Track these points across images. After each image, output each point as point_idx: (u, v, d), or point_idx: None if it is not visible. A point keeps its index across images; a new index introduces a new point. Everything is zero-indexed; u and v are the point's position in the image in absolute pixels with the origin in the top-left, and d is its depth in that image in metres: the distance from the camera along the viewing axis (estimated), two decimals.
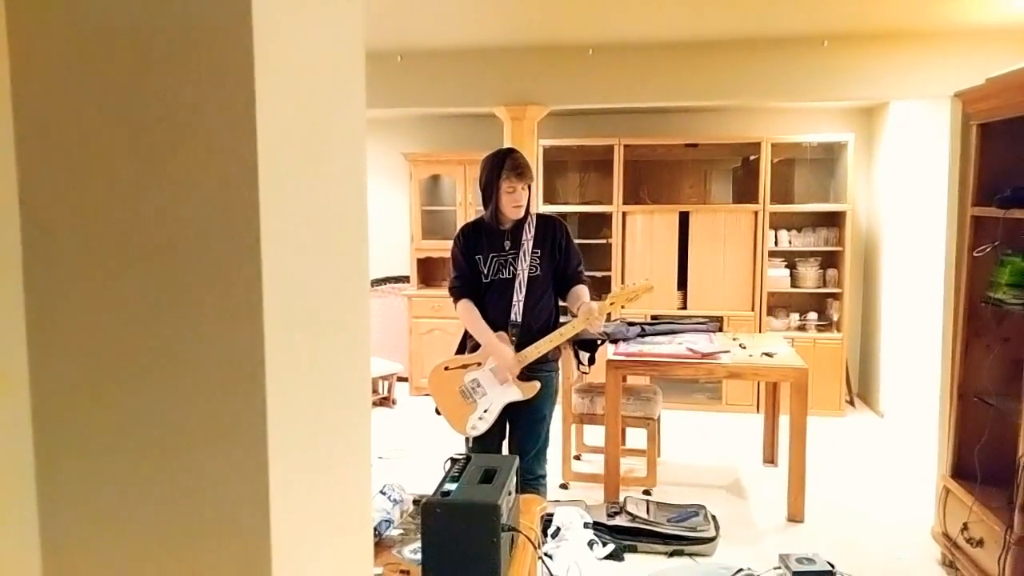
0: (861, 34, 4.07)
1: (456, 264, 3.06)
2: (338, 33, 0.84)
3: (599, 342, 3.97)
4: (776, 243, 5.53)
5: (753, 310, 5.49)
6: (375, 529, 2.03)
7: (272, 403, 0.70)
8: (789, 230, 5.56)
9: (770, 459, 4.50)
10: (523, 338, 2.95)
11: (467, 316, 3.01)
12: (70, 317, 0.72)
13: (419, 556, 1.80)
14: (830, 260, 5.54)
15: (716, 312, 5.44)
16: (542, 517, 2.57)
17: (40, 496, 0.73)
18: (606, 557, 3.30)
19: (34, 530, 0.73)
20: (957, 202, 3.30)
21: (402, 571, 1.87)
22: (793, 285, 5.56)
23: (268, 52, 0.68)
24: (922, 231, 5.01)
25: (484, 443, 3.02)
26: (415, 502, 2.22)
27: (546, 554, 2.98)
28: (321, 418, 0.81)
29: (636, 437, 4.43)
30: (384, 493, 2.18)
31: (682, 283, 5.58)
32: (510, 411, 3.01)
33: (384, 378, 5.73)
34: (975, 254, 2.94)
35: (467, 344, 3.10)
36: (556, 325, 3.01)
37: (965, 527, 2.92)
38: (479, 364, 3.00)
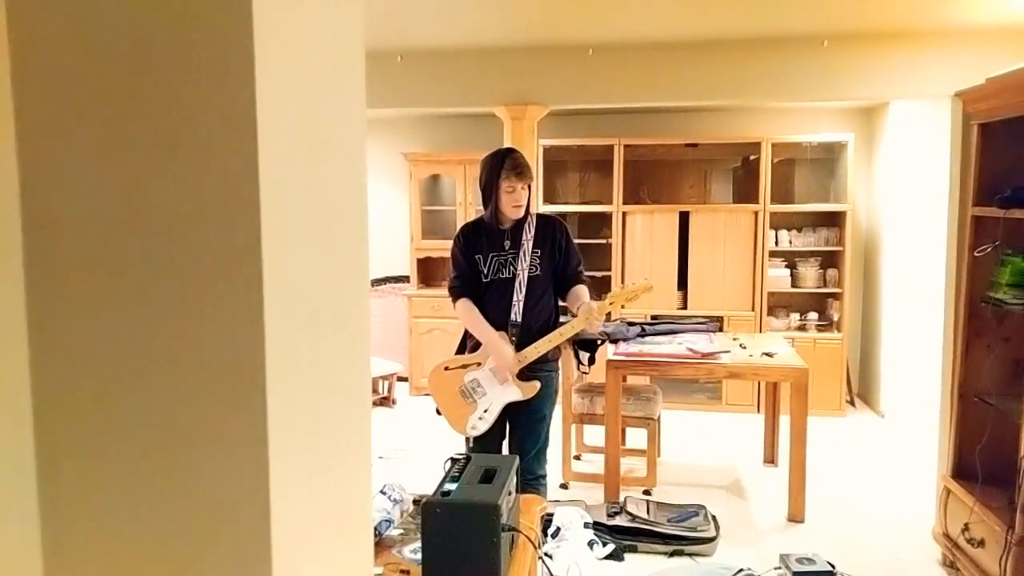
0: (861, 34, 4.07)
1: (456, 264, 3.06)
2: (338, 33, 0.84)
3: (599, 342, 3.97)
4: (776, 243, 5.53)
5: (753, 310, 5.49)
6: (375, 529, 2.03)
7: (272, 403, 0.70)
8: (789, 230, 5.56)
9: (770, 459, 4.50)
10: (523, 338, 2.96)
11: (466, 315, 3.01)
12: (71, 317, 0.72)
13: (419, 556, 1.80)
14: (830, 260, 5.54)
15: (716, 312, 5.44)
16: (542, 517, 2.57)
17: (41, 496, 0.73)
18: (606, 557, 3.30)
19: (35, 530, 0.73)
20: (957, 202, 3.30)
21: (402, 571, 1.87)
22: (793, 285, 5.56)
23: (269, 52, 0.68)
24: (922, 231, 5.01)
25: (484, 443, 3.02)
26: (415, 502, 2.22)
27: (546, 554, 2.98)
28: (321, 418, 0.81)
29: (636, 437, 4.43)
30: (384, 493, 2.18)
31: (682, 283, 5.59)
32: (510, 411, 3.01)
33: (384, 378, 5.73)
34: (975, 254, 2.94)
35: (467, 344, 3.10)
36: (556, 325, 3.02)
37: (966, 527, 2.92)
38: (479, 364, 3.00)
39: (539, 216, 3.10)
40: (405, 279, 6.20)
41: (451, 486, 1.81)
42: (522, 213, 2.98)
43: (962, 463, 3.05)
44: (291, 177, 0.73)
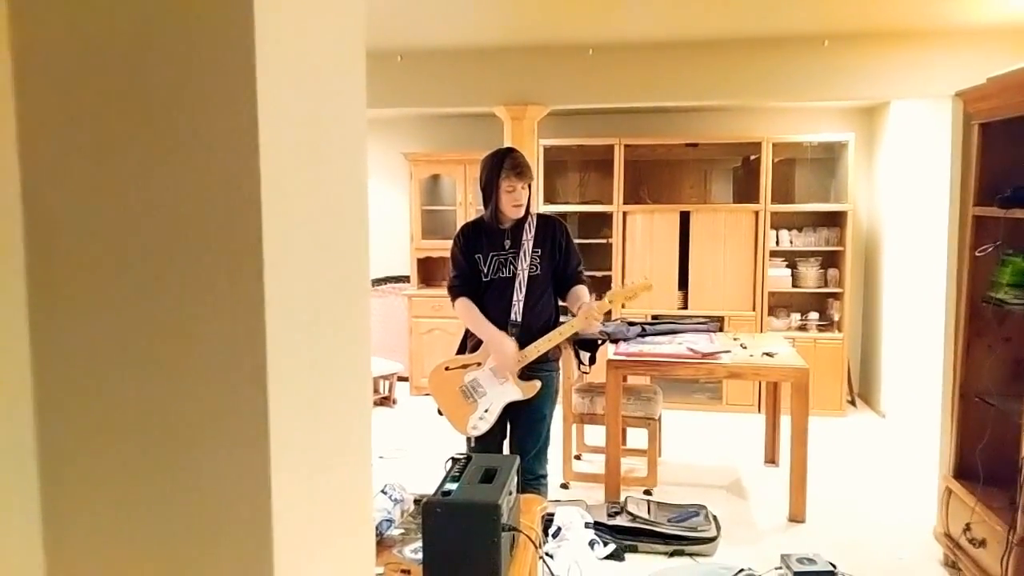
0: (862, 34, 4.07)
1: (455, 263, 3.06)
2: (339, 33, 0.84)
3: (599, 342, 3.97)
4: (777, 243, 5.53)
5: (754, 310, 5.49)
6: (376, 528, 2.03)
7: (274, 402, 0.70)
8: (790, 230, 5.56)
9: (771, 459, 4.50)
10: (523, 338, 2.96)
11: (466, 313, 3.01)
12: (72, 317, 0.72)
13: (420, 556, 1.80)
14: (831, 260, 5.54)
15: (717, 312, 5.44)
16: (543, 517, 2.57)
17: (43, 494, 0.73)
18: (607, 557, 3.31)
19: (37, 529, 0.74)
20: (958, 202, 3.30)
21: (403, 571, 1.87)
22: (794, 285, 5.56)
23: (270, 52, 0.68)
24: (923, 231, 5.01)
25: (485, 443, 3.02)
26: (416, 502, 2.22)
27: (547, 554, 2.98)
28: (322, 418, 0.81)
29: (637, 437, 4.43)
30: (385, 493, 2.18)
31: (683, 283, 5.59)
32: (511, 411, 3.01)
33: (384, 378, 5.73)
34: (976, 254, 2.94)
35: (467, 344, 3.11)
36: (556, 325, 3.02)
37: (967, 527, 2.92)
38: (479, 364, 3.01)
39: (539, 216, 3.10)
40: (405, 279, 6.20)
41: (452, 486, 1.82)
42: (522, 213, 2.98)
43: (963, 463, 3.05)
44: (292, 177, 0.73)
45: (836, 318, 5.49)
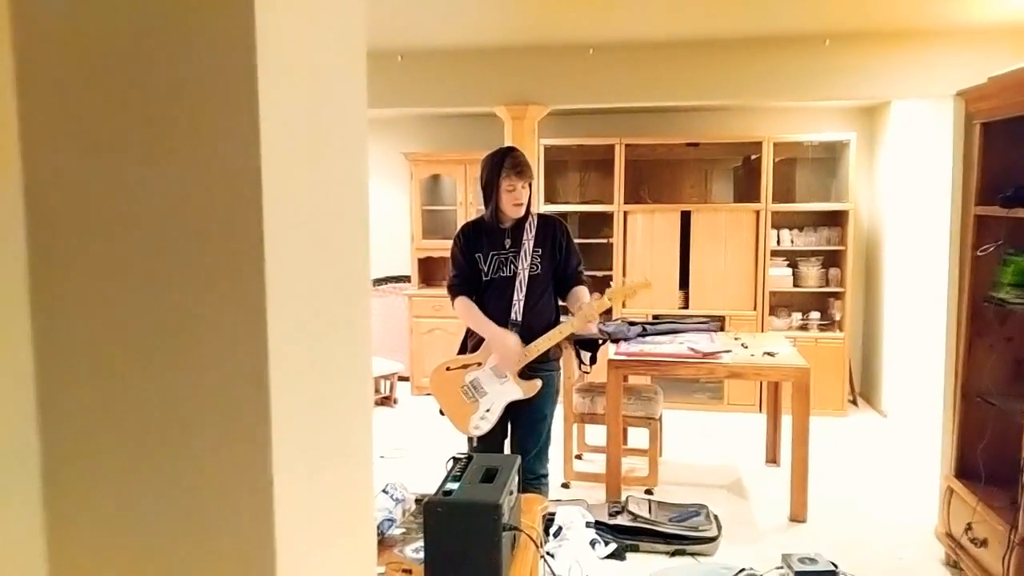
0: (863, 33, 4.07)
1: (455, 262, 3.07)
2: (340, 33, 0.84)
3: (600, 342, 3.97)
4: (778, 242, 5.53)
5: (755, 309, 5.49)
6: (377, 528, 2.04)
7: (275, 402, 0.70)
8: (791, 229, 5.56)
9: (772, 459, 4.50)
10: (524, 337, 2.96)
11: (466, 312, 3.01)
12: (75, 315, 0.72)
13: (421, 555, 1.81)
14: (832, 259, 5.54)
15: (718, 312, 5.44)
16: (544, 516, 2.57)
17: (45, 492, 0.74)
18: (608, 556, 3.31)
19: (40, 526, 0.74)
20: (960, 201, 3.30)
21: (404, 570, 1.87)
22: (795, 284, 5.56)
23: (271, 52, 0.68)
24: (925, 230, 5.01)
25: (486, 442, 3.02)
26: (417, 501, 2.22)
27: (548, 553, 2.98)
28: (323, 417, 0.81)
29: (637, 437, 4.43)
30: (386, 492, 2.18)
31: (683, 283, 5.58)
32: (512, 410, 3.01)
33: (385, 377, 5.74)
34: (978, 253, 2.94)
35: (468, 344, 3.11)
36: (557, 325, 3.02)
37: (969, 527, 2.92)
38: (479, 364, 3.01)
39: (540, 216, 3.11)
40: (406, 279, 6.20)
41: (453, 485, 1.82)
42: (523, 212, 2.98)
43: (965, 463, 3.05)
44: (293, 177, 0.74)
45: (837, 317, 5.49)
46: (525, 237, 3.00)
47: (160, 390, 0.71)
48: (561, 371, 3.28)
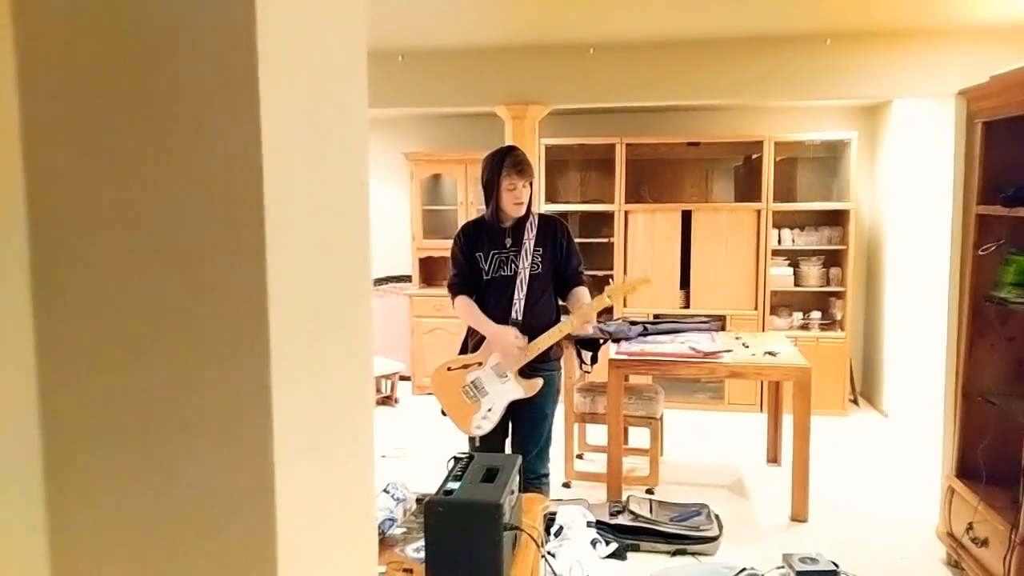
0: (864, 32, 4.07)
1: (455, 262, 3.07)
2: (340, 33, 0.84)
3: (601, 341, 3.97)
4: (779, 242, 5.53)
5: (756, 309, 5.49)
6: (378, 527, 2.04)
7: (277, 401, 0.70)
8: (792, 229, 5.56)
9: (773, 458, 4.50)
10: (525, 336, 2.96)
11: (466, 311, 3.02)
12: (76, 315, 0.72)
13: (422, 555, 1.81)
14: (833, 259, 5.54)
15: (718, 311, 5.44)
16: (545, 516, 2.57)
17: (47, 491, 0.74)
18: (609, 556, 3.31)
19: (42, 525, 0.74)
20: (961, 200, 3.30)
21: (405, 569, 1.87)
22: (796, 284, 5.56)
23: (272, 52, 0.68)
24: (926, 230, 5.01)
25: (487, 442, 3.03)
26: (418, 501, 2.22)
27: (549, 553, 2.98)
28: (325, 416, 0.82)
29: (638, 436, 4.43)
30: (387, 492, 2.19)
31: (684, 282, 5.58)
32: (513, 410, 3.02)
33: (386, 377, 5.74)
34: (979, 253, 2.94)
35: (469, 343, 3.11)
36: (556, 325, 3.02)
37: (970, 527, 2.92)
38: (480, 364, 3.01)
39: (541, 216, 3.11)
40: (407, 279, 6.21)
41: (454, 485, 1.82)
42: (523, 211, 2.98)
43: (966, 462, 3.05)
44: (294, 176, 0.74)
45: (838, 317, 5.49)
46: (526, 236, 3.00)
47: (161, 389, 0.71)
48: (562, 371, 3.29)
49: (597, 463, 4.37)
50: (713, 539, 3.41)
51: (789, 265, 5.57)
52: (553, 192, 5.89)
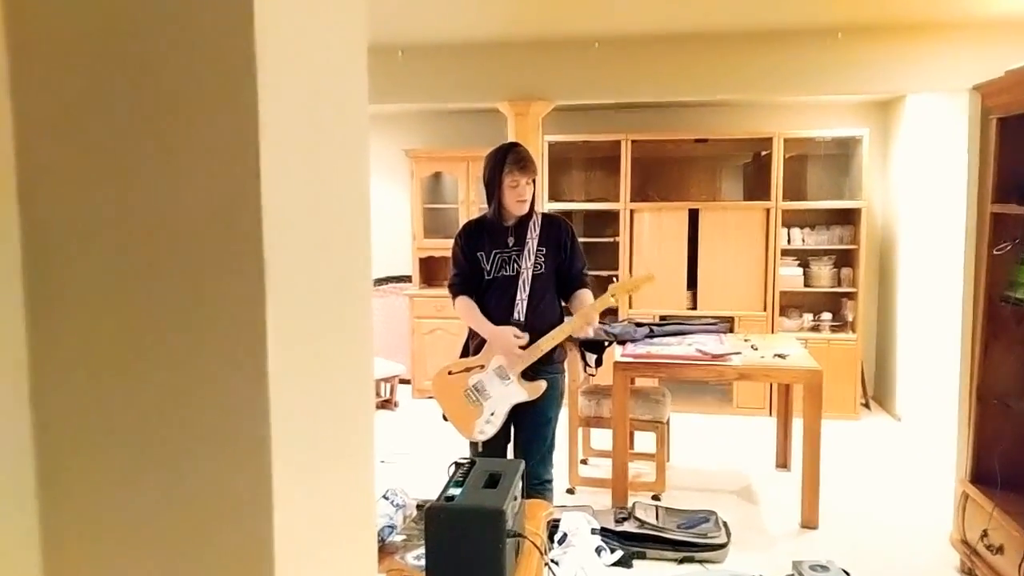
0: (876, 25, 4.06)
1: (456, 262, 3.07)
2: (340, 28, 0.85)
3: (606, 343, 3.97)
4: (789, 241, 5.53)
5: (765, 310, 5.49)
6: (378, 534, 2.04)
7: (275, 405, 0.70)
8: (802, 228, 5.55)
9: (783, 463, 4.49)
10: (525, 334, 2.96)
11: (466, 312, 3.03)
12: (70, 317, 0.72)
13: (423, 562, 1.81)
14: (845, 259, 5.53)
15: (726, 312, 5.43)
16: (548, 523, 2.57)
17: (41, 497, 0.74)
18: (614, 564, 3.31)
19: (35, 531, 0.74)
20: (976, 199, 3.29)
21: None
22: (806, 284, 5.55)
23: (270, 47, 0.68)
24: (940, 228, 5.00)
25: (489, 447, 3.03)
26: (418, 507, 2.23)
27: (552, 560, 2.98)
28: (324, 420, 0.82)
29: (644, 441, 4.43)
30: (387, 498, 2.19)
31: (691, 283, 5.58)
32: (515, 414, 3.02)
33: (386, 380, 5.74)
34: (995, 252, 2.93)
35: (470, 346, 3.11)
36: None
37: (984, 534, 2.91)
38: (482, 367, 3.01)
39: (545, 215, 3.11)
40: (407, 279, 6.21)
41: (455, 491, 1.82)
42: (526, 209, 2.99)
43: (980, 467, 3.04)
44: (293, 175, 0.74)
45: (850, 318, 5.48)
46: (529, 235, 3.00)
47: (157, 393, 0.71)
48: (566, 373, 3.29)
49: (602, 468, 4.36)
50: (721, 546, 3.41)
51: (799, 265, 5.56)
52: (557, 190, 5.89)
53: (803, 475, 3.70)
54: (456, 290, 3.06)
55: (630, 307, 5.45)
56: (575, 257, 3.09)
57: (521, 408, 3.00)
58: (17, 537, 0.73)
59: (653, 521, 3.55)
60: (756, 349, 4.04)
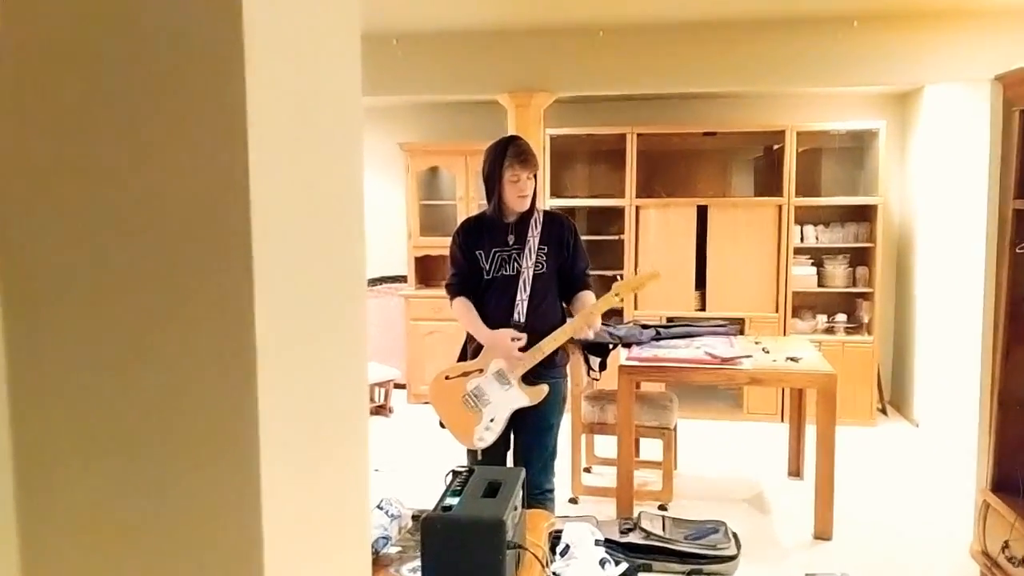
0: (894, 13, 4.06)
1: (454, 261, 3.07)
2: (332, 16, 0.85)
3: (611, 346, 3.97)
4: (802, 239, 5.53)
5: (777, 311, 5.49)
6: (372, 546, 2.04)
7: (264, 411, 0.70)
8: (816, 225, 5.56)
9: (795, 472, 4.49)
10: (527, 340, 2.96)
11: (463, 315, 3.03)
12: (49, 320, 0.72)
13: (418, 575, 1.81)
14: (860, 257, 5.54)
15: (737, 314, 5.44)
16: (550, 534, 2.57)
17: (18, 505, 0.74)
18: None
19: (14, 541, 0.74)
20: (998, 194, 3.29)
21: None
22: (820, 284, 5.55)
23: (259, 37, 0.68)
24: (960, 226, 5.00)
25: (488, 455, 3.03)
26: (414, 518, 2.23)
27: (554, 573, 2.98)
28: (315, 428, 0.82)
29: (651, 448, 4.43)
30: (381, 508, 2.19)
31: (700, 283, 5.58)
32: (515, 420, 3.02)
33: (380, 385, 5.74)
34: (1017, 250, 2.93)
35: (468, 349, 3.11)
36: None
37: (1006, 545, 2.91)
38: (481, 371, 3.01)
39: (546, 212, 3.11)
40: (402, 279, 6.21)
41: (453, 501, 1.82)
42: (527, 205, 2.99)
43: (1002, 476, 3.04)
44: (283, 169, 0.74)
45: (866, 320, 5.48)
46: (530, 233, 3.00)
47: (140, 397, 0.71)
48: (568, 378, 3.29)
49: (606, 477, 4.37)
50: (731, 558, 3.41)
51: (812, 264, 5.57)
52: (559, 186, 5.89)
53: (817, 484, 3.70)
54: (454, 291, 3.06)
55: (635, 308, 5.45)
56: (578, 257, 3.09)
57: (522, 414, 3.00)
58: None
59: (659, 532, 3.55)
60: (767, 352, 4.04)
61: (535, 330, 2.97)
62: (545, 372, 3.00)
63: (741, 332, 5.11)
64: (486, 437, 3.00)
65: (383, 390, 5.79)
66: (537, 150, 3.52)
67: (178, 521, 0.72)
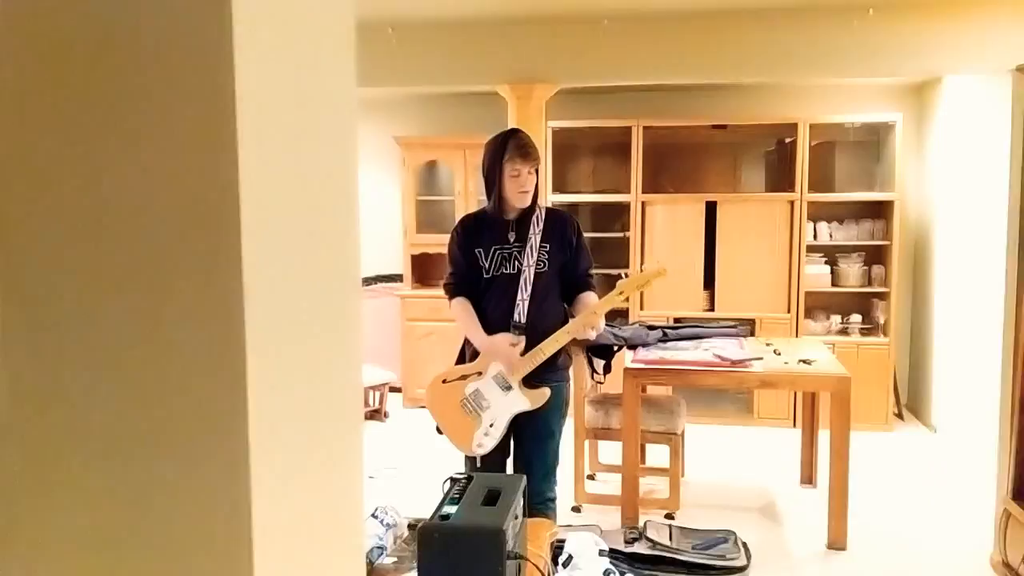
0: (910, 2, 4.06)
1: (452, 260, 3.08)
2: (325, 3, 0.85)
3: (616, 348, 3.97)
4: (815, 237, 5.53)
5: (789, 312, 5.49)
6: (366, 556, 2.04)
7: (254, 416, 0.70)
8: (829, 222, 5.56)
9: (808, 479, 4.50)
10: (528, 341, 2.96)
11: (461, 317, 3.03)
12: (37, 318, 0.72)
13: None
14: (876, 256, 5.54)
15: (747, 314, 5.44)
16: (552, 543, 2.57)
17: (8, 502, 0.74)
18: None
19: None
20: (1019, 190, 3.29)
21: None
22: (834, 284, 5.55)
23: (248, 25, 0.68)
24: (980, 223, 5.00)
25: (487, 461, 3.03)
26: (410, 526, 2.23)
27: None
28: (308, 432, 0.82)
29: (657, 454, 4.43)
30: (376, 516, 2.19)
31: (709, 282, 5.59)
32: (516, 425, 3.02)
33: (375, 388, 5.74)
34: None
35: (467, 352, 3.12)
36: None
37: None
38: (480, 374, 3.01)
39: (549, 209, 3.12)
40: (398, 278, 6.21)
41: (451, 509, 1.82)
42: (528, 201, 2.99)
43: (1023, 483, 3.04)
44: (274, 166, 0.74)
45: (881, 321, 5.48)
46: (532, 231, 3.00)
47: (127, 401, 0.72)
48: (571, 381, 3.29)
49: (610, 484, 4.37)
50: (741, 569, 3.41)
51: (826, 263, 5.57)
52: (562, 181, 5.89)
53: (830, 491, 3.70)
54: (453, 291, 3.06)
55: (641, 308, 5.45)
56: (581, 256, 3.09)
57: (522, 419, 3.00)
58: None
59: (666, 542, 3.56)
60: (779, 354, 4.04)
61: (536, 331, 2.97)
62: (547, 375, 3.01)
63: (751, 333, 5.11)
64: (485, 443, 3.00)
65: (378, 393, 5.79)
66: (539, 143, 3.52)
67: (164, 527, 0.72)
